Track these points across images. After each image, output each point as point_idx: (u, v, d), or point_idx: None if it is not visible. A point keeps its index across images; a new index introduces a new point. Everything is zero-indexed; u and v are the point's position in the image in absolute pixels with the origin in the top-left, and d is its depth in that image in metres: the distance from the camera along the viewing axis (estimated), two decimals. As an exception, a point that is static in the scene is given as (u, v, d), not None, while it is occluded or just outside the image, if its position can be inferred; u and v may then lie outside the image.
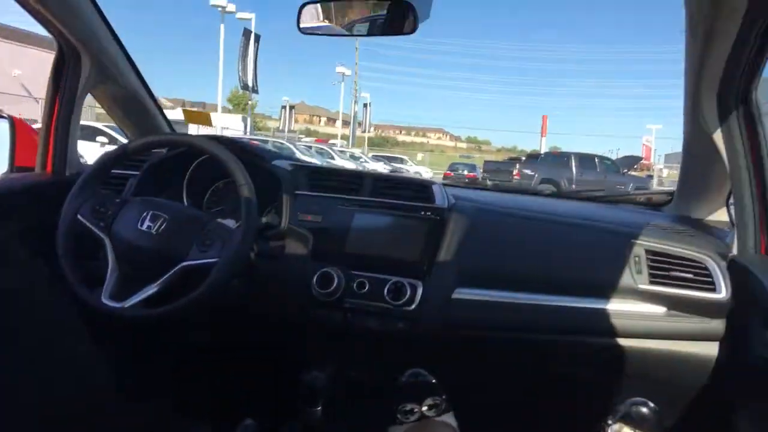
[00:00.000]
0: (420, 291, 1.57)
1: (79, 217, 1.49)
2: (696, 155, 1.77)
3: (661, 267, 1.56)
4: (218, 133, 25.08)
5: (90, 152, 3.75)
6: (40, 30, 1.64)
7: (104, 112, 2.04)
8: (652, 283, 1.54)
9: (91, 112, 15.30)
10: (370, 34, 1.57)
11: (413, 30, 1.53)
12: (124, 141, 1.75)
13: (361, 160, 26.05)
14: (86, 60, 1.73)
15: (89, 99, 1.85)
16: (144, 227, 1.45)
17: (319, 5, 1.60)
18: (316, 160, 20.33)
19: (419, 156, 47.65)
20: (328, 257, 1.64)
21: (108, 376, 1.74)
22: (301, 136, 40.76)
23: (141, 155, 1.72)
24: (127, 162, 1.69)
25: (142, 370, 1.87)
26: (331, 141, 36.78)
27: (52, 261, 1.46)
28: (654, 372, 1.59)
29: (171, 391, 1.94)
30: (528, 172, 17.98)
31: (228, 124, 28.93)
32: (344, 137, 40.46)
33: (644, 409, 1.34)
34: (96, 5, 1.69)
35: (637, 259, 1.57)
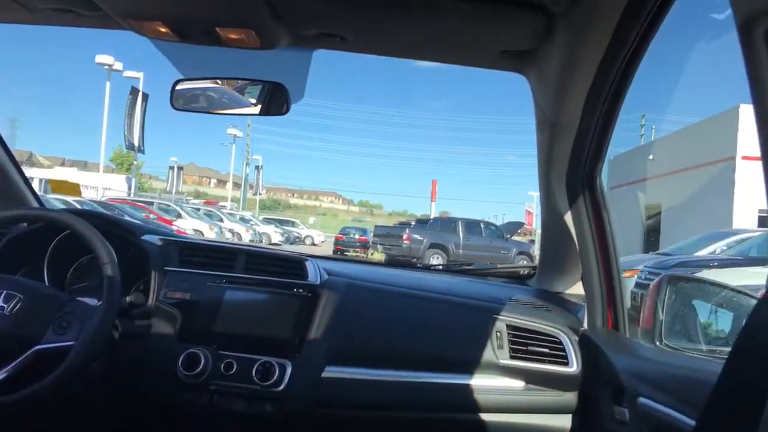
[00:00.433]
0: (289, 371, 1.56)
1: None
2: (552, 235, 1.90)
3: (521, 342, 1.64)
4: (100, 193, 24.01)
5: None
6: None
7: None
8: (512, 357, 1.62)
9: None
10: (242, 114, 1.59)
11: (286, 111, 1.57)
12: None
13: (251, 222, 25.63)
14: None
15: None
16: None
17: (193, 83, 1.62)
18: (204, 223, 19.82)
19: (311, 219, 47.64)
20: (196, 336, 1.60)
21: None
22: (189, 197, 39.65)
23: None
24: None
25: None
26: (221, 203, 35.97)
27: None
28: None
29: None
30: (417, 236, 18.46)
31: (110, 185, 27.71)
32: (235, 199, 39.80)
33: None
34: None
35: (499, 334, 1.64)
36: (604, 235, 1.63)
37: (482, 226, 19.69)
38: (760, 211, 12.91)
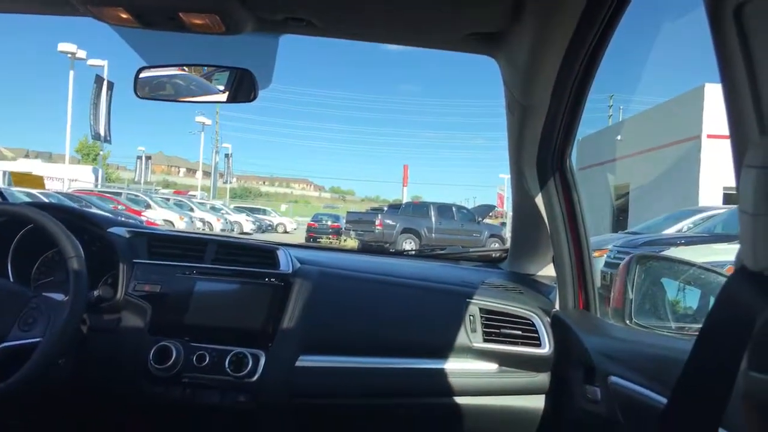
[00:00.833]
0: (262, 361, 1.55)
1: None
2: (524, 217, 1.92)
3: (494, 325, 1.65)
4: (66, 184, 23.52)
5: None
6: None
7: None
8: (485, 341, 1.63)
9: None
10: (209, 102, 1.56)
11: (253, 98, 1.54)
12: None
13: (222, 211, 25.39)
14: None
15: None
16: None
17: (157, 71, 1.58)
18: (174, 213, 19.58)
19: (283, 207, 47.34)
20: (167, 329, 1.58)
21: None
22: (158, 187, 39.09)
23: None
24: None
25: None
26: (191, 192, 35.53)
27: None
28: (488, 427, 1.66)
29: None
30: (389, 222, 18.47)
31: (77, 176, 27.16)
32: (205, 188, 39.33)
33: None
34: None
35: (471, 318, 1.65)
36: (575, 217, 1.64)
37: (454, 209, 19.78)
38: (725, 188, 13.18)
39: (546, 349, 1.61)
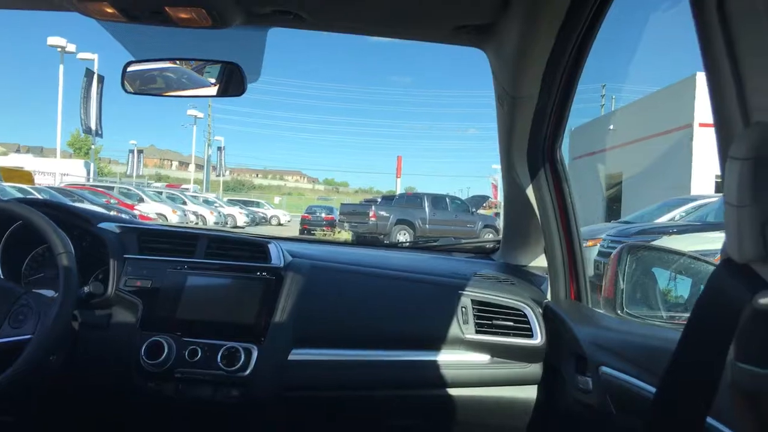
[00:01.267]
0: (255, 355, 1.55)
1: None
2: (515, 209, 1.92)
3: (486, 316, 1.65)
4: (58, 179, 23.41)
5: None
6: None
7: None
8: (478, 332, 1.63)
9: None
10: (197, 95, 1.55)
11: (242, 91, 1.54)
12: None
13: (215, 204, 25.33)
14: None
15: None
16: None
17: (145, 65, 1.57)
18: (167, 206, 19.52)
19: (276, 199, 47.31)
20: (159, 324, 1.57)
21: None
22: (150, 181, 38.99)
23: None
24: None
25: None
26: (184, 186, 35.46)
27: None
28: (481, 418, 1.67)
29: None
30: (383, 213, 18.47)
31: (68, 170, 27.04)
32: (198, 182, 39.25)
33: None
34: None
35: (464, 309, 1.65)
36: (566, 208, 1.65)
37: (448, 200, 19.78)
38: (717, 176, 13.21)
39: (538, 340, 1.62)
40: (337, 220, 21.33)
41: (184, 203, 22.26)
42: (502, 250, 2.13)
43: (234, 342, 1.55)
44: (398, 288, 1.74)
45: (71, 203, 1.85)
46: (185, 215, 19.74)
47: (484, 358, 1.65)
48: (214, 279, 1.65)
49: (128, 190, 21.12)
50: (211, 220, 21.13)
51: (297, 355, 1.58)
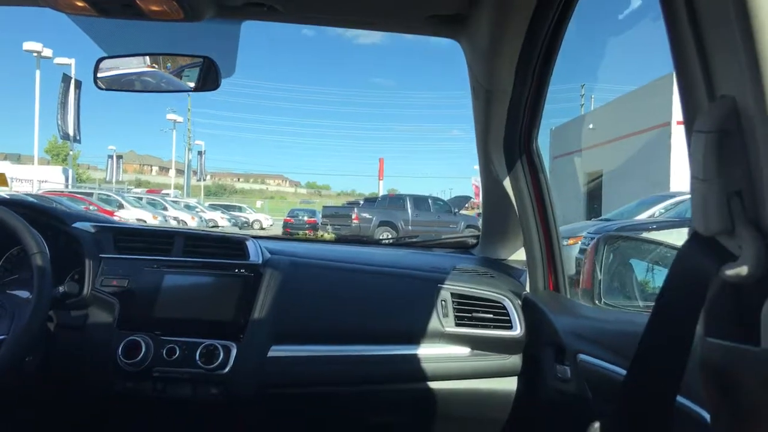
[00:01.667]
0: (234, 352, 1.53)
1: None
2: (493, 203, 1.92)
3: (465, 309, 1.65)
4: (36, 186, 23.08)
5: None
6: None
7: None
8: (457, 325, 1.63)
9: None
10: (170, 90, 1.54)
11: (217, 86, 1.53)
12: None
13: (197, 209, 25.16)
14: None
15: None
16: None
17: (118, 61, 1.56)
18: (147, 212, 19.34)
19: (258, 203, 47.04)
20: (136, 324, 1.56)
21: None
22: (130, 186, 38.59)
23: None
24: None
25: None
26: (165, 191, 35.12)
27: None
28: (462, 411, 1.67)
29: None
30: (366, 215, 18.47)
31: (47, 177, 26.68)
32: (178, 187, 38.93)
33: None
34: None
35: (444, 303, 1.65)
36: (543, 199, 1.66)
37: (430, 201, 19.83)
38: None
39: (517, 331, 1.62)
40: (319, 223, 21.28)
41: (165, 209, 22.05)
42: (482, 245, 2.14)
43: (212, 340, 1.54)
44: (378, 283, 1.74)
45: (45, 203, 1.82)
46: (166, 221, 19.56)
47: (464, 350, 1.65)
48: (192, 277, 1.64)
49: (108, 196, 20.88)
50: (192, 225, 20.94)
51: (277, 351, 1.57)
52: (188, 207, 25.01)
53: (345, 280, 1.73)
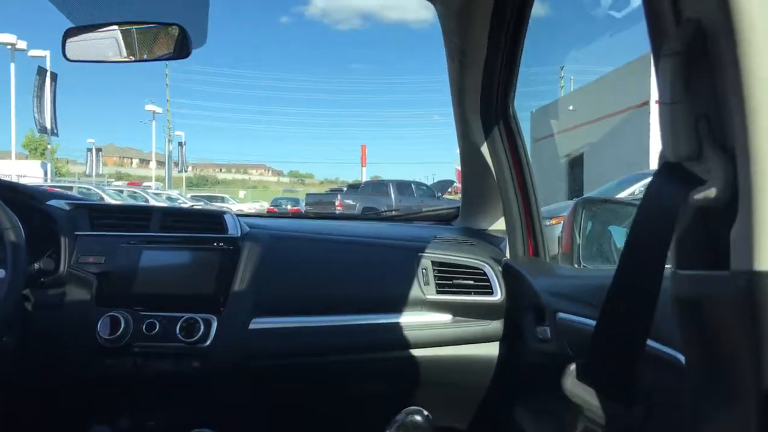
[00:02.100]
0: (215, 326, 1.52)
1: None
2: (472, 171, 1.92)
3: (446, 276, 1.65)
4: (14, 181, 22.70)
5: None
6: None
7: None
8: (439, 292, 1.63)
9: None
10: (141, 60, 1.51)
11: (187, 54, 1.50)
12: None
13: (179, 201, 24.93)
14: None
15: None
16: None
17: (86, 31, 1.52)
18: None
19: (241, 193, 46.81)
20: (115, 300, 1.54)
21: None
22: (111, 179, 38.19)
23: None
24: None
25: None
26: (146, 183, 34.74)
27: None
28: (445, 377, 1.67)
29: None
30: (349, 201, 18.42)
31: (25, 172, 26.27)
32: (160, 179, 38.54)
33: (418, 417, 1.41)
34: None
35: (424, 271, 1.65)
36: (521, 165, 1.65)
37: (413, 186, 19.84)
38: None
39: (498, 296, 1.63)
40: (303, 211, 21.21)
41: (147, 201, 21.85)
42: (462, 216, 2.14)
43: (193, 313, 1.53)
44: (358, 253, 1.73)
45: (16, 181, 1.79)
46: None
47: (446, 317, 1.65)
48: (170, 252, 1.63)
49: (88, 189, 20.62)
50: (174, 216, 20.76)
51: (258, 324, 1.56)
52: (170, 199, 24.75)
53: (325, 251, 1.72)
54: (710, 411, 0.62)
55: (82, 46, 1.50)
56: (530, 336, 1.45)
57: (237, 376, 1.57)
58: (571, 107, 20.43)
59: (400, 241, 1.77)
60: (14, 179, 22.26)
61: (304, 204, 21.73)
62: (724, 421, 0.60)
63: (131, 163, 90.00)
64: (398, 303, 1.62)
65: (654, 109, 14.49)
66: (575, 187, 18.01)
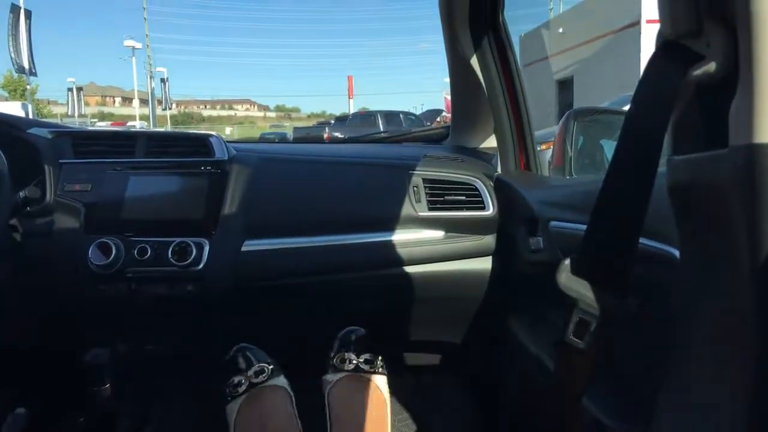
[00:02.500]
0: (207, 249, 1.52)
1: None
2: (462, 89, 1.88)
3: (438, 193, 1.64)
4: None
5: None
6: None
7: None
8: (430, 209, 1.63)
9: None
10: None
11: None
12: None
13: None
14: None
15: None
16: None
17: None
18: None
19: (228, 130, 46.15)
20: (104, 227, 1.53)
21: None
22: (94, 120, 37.58)
23: None
24: None
25: None
26: (130, 123, 34.23)
27: None
28: (439, 291, 1.69)
29: None
30: (337, 134, 18.25)
31: (5, 112, 25.72)
32: (144, 117, 37.94)
33: (357, 333, 1.46)
34: None
35: (416, 188, 1.64)
36: (512, 76, 1.62)
37: (402, 116, 19.63)
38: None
39: (490, 211, 1.63)
40: (291, 145, 21.03)
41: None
42: (452, 135, 2.12)
43: (184, 237, 1.52)
44: (348, 173, 1.71)
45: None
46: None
47: (438, 234, 1.65)
48: (157, 177, 1.60)
49: (71, 130, 20.28)
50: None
51: (250, 245, 1.56)
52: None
53: (315, 172, 1.70)
54: (705, 301, 0.63)
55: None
56: (523, 247, 1.45)
57: (232, 298, 1.58)
58: (560, 30, 20.06)
59: (391, 160, 1.75)
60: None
61: (291, 139, 21.53)
62: (719, 309, 0.61)
63: (114, 102, 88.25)
64: (390, 221, 1.62)
65: (645, 29, 14.27)
66: (566, 113, 17.89)
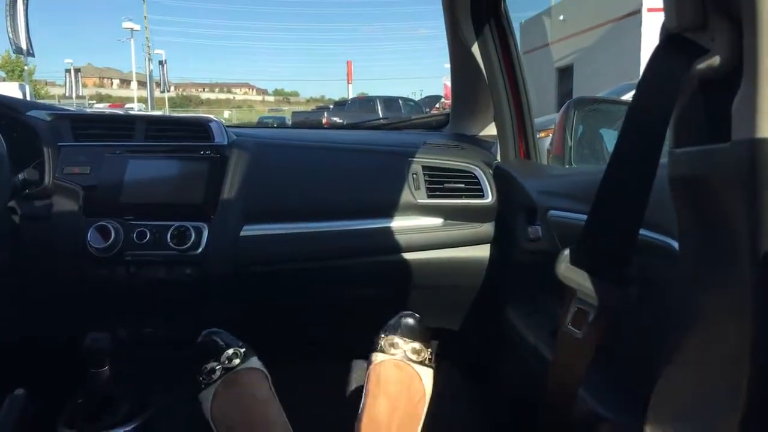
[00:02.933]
0: (206, 233, 1.52)
1: None
2: (462, 76, 1.88)
3: (437, 180, 1.65)
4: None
5: None
6: None
7: None
8: (429, 196, 1.63)
9: None
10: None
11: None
12: None
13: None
14: None
15: None
16: None
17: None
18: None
19: (226, 113, 45.90)
20: (103, 210, 1.53)
21: None
22: (92, 102, 37.37)
23: None
24: None
25: None
26: (128, 105, 33.99)
27: None
28: (437, 279, 1.69)
29: None
30: (336, 119, 18.18)
31: (3, 94, 25.57)
32: (142, 100, 37.74)
33: (411, 320, 1.44)
34: None
35: (415, 176, 1.64)
36: (513, 65, 1.62)
37: (401, 102, 19.58)
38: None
39: (489, 199, 1.63)
40: (290, 130, 20.97)
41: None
42: (452, 123, 2.11)
43: (183, 221, 1.52)
44: (347, 159, 1.71)
45: (-5, 93, 1.73)
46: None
47: (437, 221, 1.65)
48: (156, 161, 1.60)
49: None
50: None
51: (249, 231, 1.56)
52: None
53: (314, 158, 1.70)
54: (703, 294, 0.63)
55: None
56: (521, 236, 1.46)
57: (231, 283, 1.58)
58: (561, 17, 19.96)
59: (390, 147, 1.75)
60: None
61: (290, 124, 21.46)
62: (717, 301, 0.61)
63: (111, 83, 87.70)
64: (389, 208, 1.62)
65: (646, 18, 14.20)
66: (565, 100, 17.84)
